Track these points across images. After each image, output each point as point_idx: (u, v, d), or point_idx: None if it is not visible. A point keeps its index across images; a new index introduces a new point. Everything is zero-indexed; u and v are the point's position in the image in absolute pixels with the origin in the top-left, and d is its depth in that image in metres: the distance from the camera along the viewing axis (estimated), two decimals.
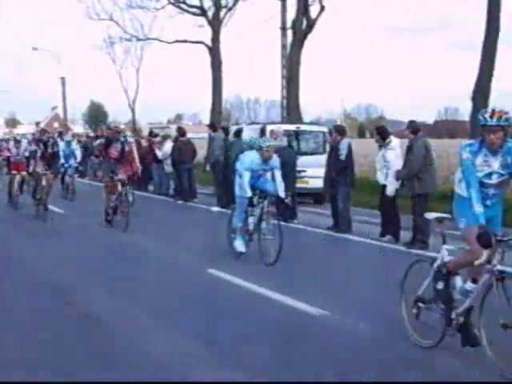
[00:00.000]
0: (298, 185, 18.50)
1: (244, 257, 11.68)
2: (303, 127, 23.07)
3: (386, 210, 14.09)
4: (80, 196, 22.18)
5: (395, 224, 13.98)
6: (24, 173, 19.03)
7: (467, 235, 6.48)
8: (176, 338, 7.24)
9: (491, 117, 6.34)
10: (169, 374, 6.09)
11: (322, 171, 16.06)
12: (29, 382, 5.92)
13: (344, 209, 15.16)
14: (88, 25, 76.32)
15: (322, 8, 30.68)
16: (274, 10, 32.77)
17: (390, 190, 13.77)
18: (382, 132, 14.24)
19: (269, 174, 12.30)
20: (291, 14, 30.92)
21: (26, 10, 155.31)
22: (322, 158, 16.76)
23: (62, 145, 21.41)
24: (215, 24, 35.51)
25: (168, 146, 23.23)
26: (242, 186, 11.60)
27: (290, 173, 17.28)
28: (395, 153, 13.87)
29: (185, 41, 38.21)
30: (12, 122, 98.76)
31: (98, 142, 18.51)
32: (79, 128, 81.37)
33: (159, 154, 23.82)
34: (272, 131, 20.30)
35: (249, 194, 11.50)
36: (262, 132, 21.58)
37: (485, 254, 6.15)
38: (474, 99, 19.78)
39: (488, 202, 6.50)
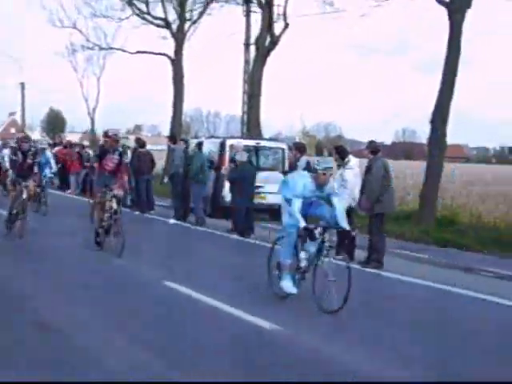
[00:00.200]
0: (256, 200, 18.58)
1: (196, 270, 11.57)
2: (263, 143, 23.14)
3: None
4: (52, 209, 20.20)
5: (350, 243, 14.07)
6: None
7: None
8: (128, 348, 7.22)
9: None
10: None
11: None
12: (29, 382, 5.85)
13: None
14: (51, 32, 75.46)
15: (286, 25, 30.86)
16: (239, 26, 32.90)
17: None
18: (340, 151, 14.35)
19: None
20: (255, 29, 31.15)
21: None
22: (280, 175, 16.85)
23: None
24: (179, 37, 35.49)
25: (127, 155, 23.13)
26: (293, 214, 9.67)
27: (249, 188, 17.38)
28: (353, 172, 13.99)
29: (147, 52, 38.12)
30: None
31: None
32: (37, 135, 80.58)
33: None
34: (232, 146, 20.41)
35: (302, 223, 9.54)
36: (222, 146, 21.66)
37: None
38: (432, 122, 20.03)
39: None
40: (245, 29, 31.46)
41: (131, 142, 26.82)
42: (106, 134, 14.88)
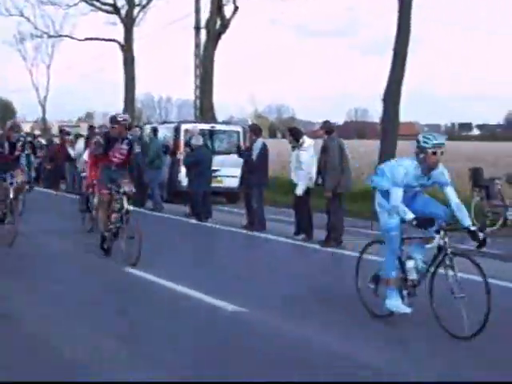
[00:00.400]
0: (213, 184, 18.63)
1: (167, 257, 11.44)
2: (218, 127, 23.21)
3: (300, 209, 14.31)
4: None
5: (308, 223, 14.22)
6: None
7: None
8: (95, 337, 7.22)
9: None
10: (84, 375, 6.01)
11: (235, 171, 16.22)
12: (29, 382, 5.81)
13: (258, 208, 15.34)
14: None
15: (236, 8, 30.85)
16: (189, 9, 32.77)
17: (301, 189, 13.97)
18: (295, 133, 14.43)
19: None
20: (206, 13, 31.06)
21: None
22: (236, 158, 16.95)
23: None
24: (128, 22, 35.30)
25: (81, 144, 22.96)
26: (396, 209, 7.48)
27: (206, 172, 17.42)
28: (309, 153, 14.10)
29: (96, 38, 37.90)
30: None
31: (94, 140, 13.00)
32: None
33: (72, 152, 23.54)
34: (187, 130, 20.42)
35: (409, 214, 7.37)
36: (177, 131, 21.65)
37: None
38: (385, 100, 20.23)
39: None
40: (195, 12, 31.35)
41: (83, 130, 26.64)
42: (112, 120, 12.11)
